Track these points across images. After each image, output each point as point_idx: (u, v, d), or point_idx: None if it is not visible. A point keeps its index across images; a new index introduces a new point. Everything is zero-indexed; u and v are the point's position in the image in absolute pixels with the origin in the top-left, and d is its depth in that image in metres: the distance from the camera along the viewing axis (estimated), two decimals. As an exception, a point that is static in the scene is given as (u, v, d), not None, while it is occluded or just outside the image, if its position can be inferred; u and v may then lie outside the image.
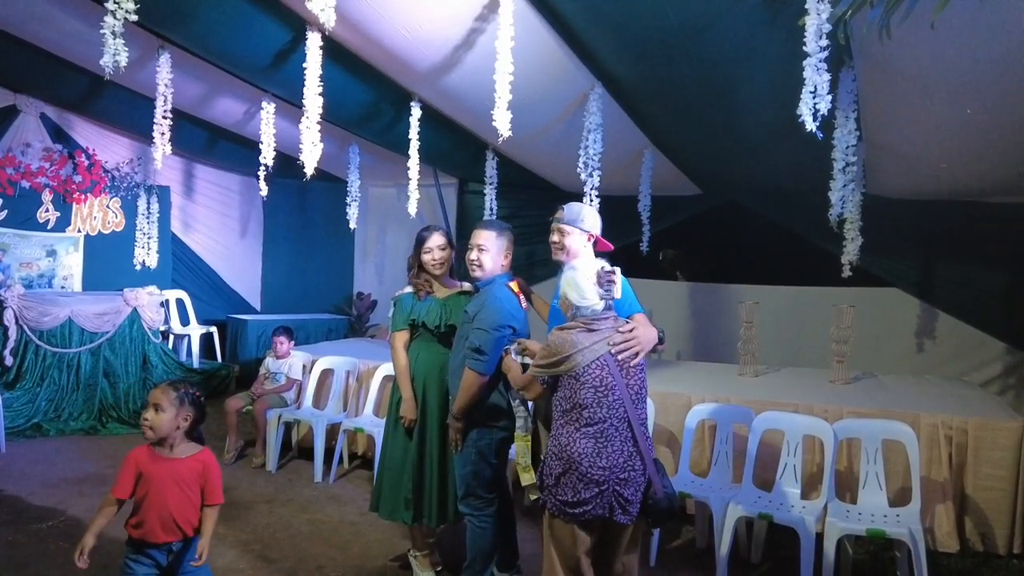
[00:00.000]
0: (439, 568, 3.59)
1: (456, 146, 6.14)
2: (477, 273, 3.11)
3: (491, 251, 3.07)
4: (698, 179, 6.37)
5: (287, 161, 5.93)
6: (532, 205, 7.53)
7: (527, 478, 2.93)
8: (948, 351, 6.08)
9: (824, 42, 2.86)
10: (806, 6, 2.86)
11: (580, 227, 2.96)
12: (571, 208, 3.03)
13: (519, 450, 2.94)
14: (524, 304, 3.12)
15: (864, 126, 4.37)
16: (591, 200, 4.64)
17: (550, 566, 2.52)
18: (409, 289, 3.47)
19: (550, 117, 4.91)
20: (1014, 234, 5.57)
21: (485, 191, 6.36)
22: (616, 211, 6.16)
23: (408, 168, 5.38)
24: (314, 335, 7.96)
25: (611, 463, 2.39)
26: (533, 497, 2.94)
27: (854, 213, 4.77)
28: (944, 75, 3.56)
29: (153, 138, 5.10)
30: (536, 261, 7.31)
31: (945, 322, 6.12)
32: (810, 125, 2.94)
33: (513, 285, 3.08)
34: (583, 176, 4.61)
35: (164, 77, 5.04)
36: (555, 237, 3.03)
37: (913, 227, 5.91)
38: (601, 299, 2.50)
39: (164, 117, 5.10)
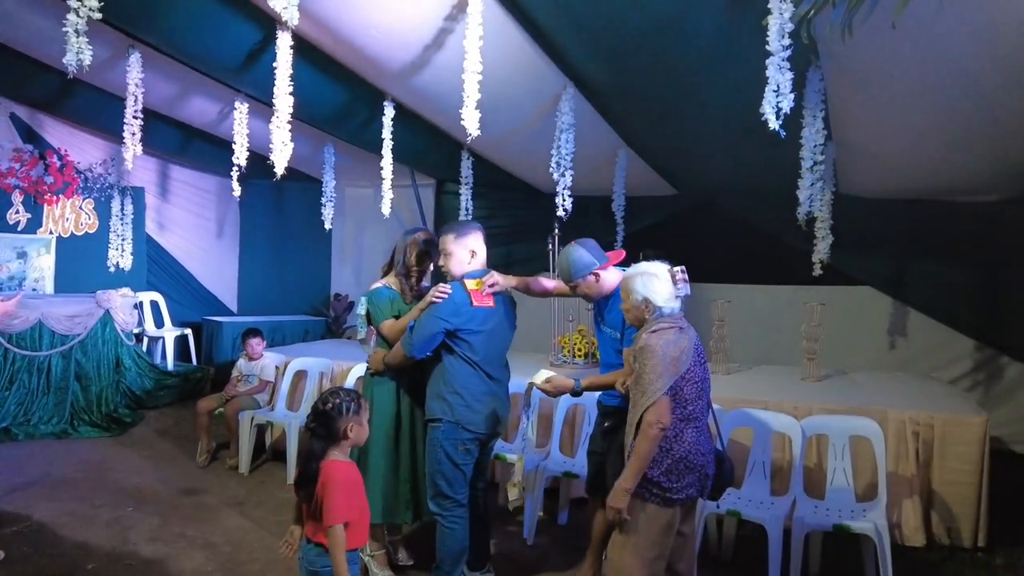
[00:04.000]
0: (410, 563, 3.60)
1: (431, 146, 6.12)
2: (448, 275, 3.21)
3: (454, 254, 3.13)
4: (672, 179, 6.40)
5: (263, 162, 5.88)
6: (510, 205, 7.54)
7: (514, 492, 3.16)
8: (919, 348, 6.15)
9: (787, 41, 2.88)
10: (769, 5, 2.88)
11: (579, 277, 3.04)
12: (561, 267, 3.11)
13: (518, 468, 3.21)
14: (481, 302, 3.10)
15: (833, 125, 4.41)
16: (564, 199, 4.65)
17: (638, 557, 2.52)
18: (382, 283, 3.46)
19: (523, 117, 4.92)
20: (981, 233, 5.65)
21: (461, 192, 6.35)
22: (591, 211, 6.20)
23: (382, 168, 5.35)
24: (291, 336, 7.91)
25: (706, 448, 2.60)
26: (513, 498, 3.07)
27: (824, 212, 4.82)
28: (906, 75, 3.60)
29: (133, 139, 5.06)
30: (513, 261, 7.30)
31: (916, 320, 6.19)
32: (773, 124, 2.96)
33: (471, 283, 3.07)
34: (555, 176, 4.61)
35: (134, 77, 5.00)
36: (579, 292, 3.13)
37: (884, 226, 5.96)
38: (676, 298, 2.62)
39: (135, 117, 5.08)
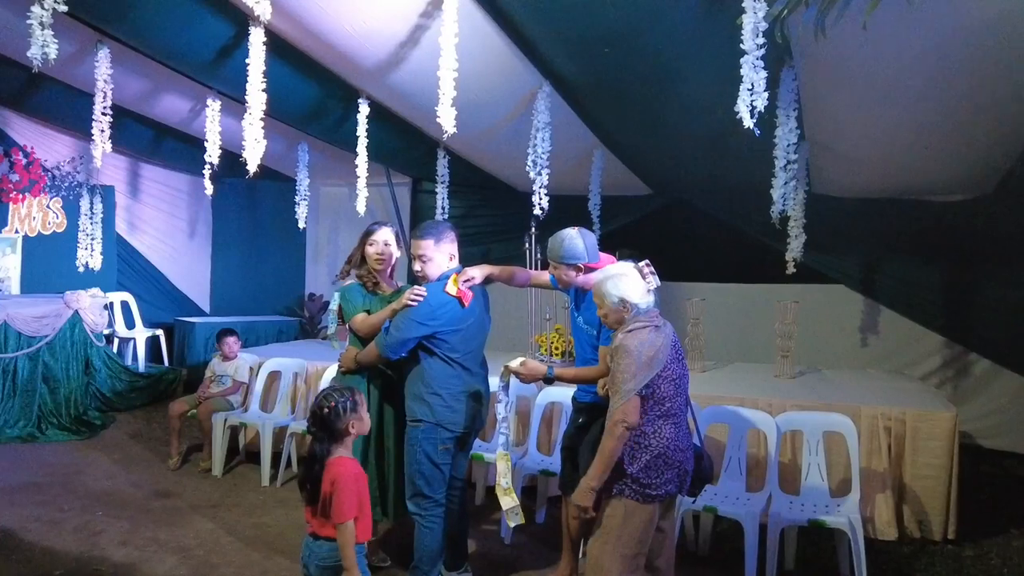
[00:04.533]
0: (386, 563, 3.57)
1: (407, 144, 6.08)
2: (423, 278, 3.18)
3: (433, 259, 3.09)
4: (648, 179, 6.42)
5: (236, 160, 5.80)
6: (487, 205, 7.52)
7: (508, 501, 3.00)
8: (891, 346, 6.24)
9: (760, 40, 2.90)
10: (743, 4, 2.90)
11: (565, 263, 2.99)
12: (552, 245, 3.04)
13: (500, 470, 3.04)
14: (468, 301, 3.08)
15: (806, 125, 4.46)
16: (540, 198, 4.65)
17: (617, 554, 2.51)
18: (352, 281, 3.46)
19: (499, 115, 4.90)
20: (951, 232, 5.74)
21: (437, 190, 6.31)
22: (568, 210, 6.20)
23: (357, 167, 5.31)
24: (264, 337, 7.81)
25: (685, 444, 2.61)
26: (513, 524, 2.96)
27: (797, 211, 4.87)
28: (878, 75, 3.64)
29: (102, 136, 4.96)
30: (491, 260, 7.26)
31: (888, 317, 6.28)
32: (747, 122, 2.98)
33: (451, 286, 3.05)
34: (532, 175, 4.61)
35: (103, 73, 4.90)
36: (556, 274, 3.08)
37: (857, 225, 6.04)
38: (648, 292, 2.62)
39: (104, 114, 4.98)
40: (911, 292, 6.14)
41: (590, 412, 3.00)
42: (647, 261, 2.68)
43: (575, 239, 2.98)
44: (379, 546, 3.67)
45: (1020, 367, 5.65)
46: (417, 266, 3.13)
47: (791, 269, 5.00)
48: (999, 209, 5.36)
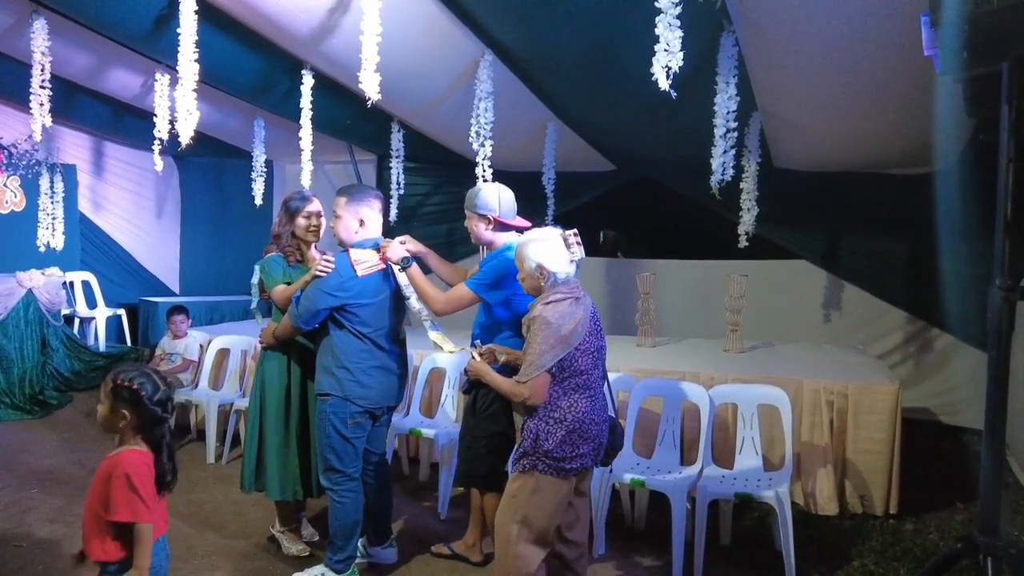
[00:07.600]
0: (316, 538, 3.53)
1: (361, 118, 5.94)
2: (337, 240, 3.11)
3: (342, 219, 3.03)
4: (608, 153, 6.32)
5: (203, 139, 5.70)
6: (452, 182, 7.40)
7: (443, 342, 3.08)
8: (854, 321, 6.16)
9: (677, -2, 2.80)
10: (659, -38, 2.80)
11: (476, 211, 2.93)
12: (469, 193, 3.00)
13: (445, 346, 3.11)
14: (367, 271, 2.98)
15: (758, 95, 4.35)
16: (484, 169, 4.56)
17: (526, 528, 2.46)
18: (275, 252, 3.39)
19: (443, 86, 4.80)
20: (913, 205, 5.63)
21: (392, 165, 6.21)
22: (525, 187, 6.11)
23: (301, 139, 5.21)
24: (230, 316, 7.76)
25: (600, 417, 2.55)
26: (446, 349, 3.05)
27: (749, 183, 4.78)
28: (820, 40, 3.54)
29: (41, 109, 4.88)
30: (456, 240, 7.20)
31: (851, 293, 6.19)
32: (663, 83, 2.89)
33: (356, 254, 2.96)
34: (475, 146, 4.52)
35: (40, 44, 4.80)
36: (467, 224, 3.04)
37: (818, 199, 5.94)
38: (571, 263, 2.53)
39: (42, 87, 4.89)
40: (874, 267, 6.05)
41: (476, 384, 2.94)
42: (575, 231, 2.59)
43: (490, 190, 2.95)
44: (308, 521, 3.63)
45: (981, 342, 5.56)
46: (332, 222, 3.10)
47: (743, 242, 4.91)
48: (961, 181, 5.26)
